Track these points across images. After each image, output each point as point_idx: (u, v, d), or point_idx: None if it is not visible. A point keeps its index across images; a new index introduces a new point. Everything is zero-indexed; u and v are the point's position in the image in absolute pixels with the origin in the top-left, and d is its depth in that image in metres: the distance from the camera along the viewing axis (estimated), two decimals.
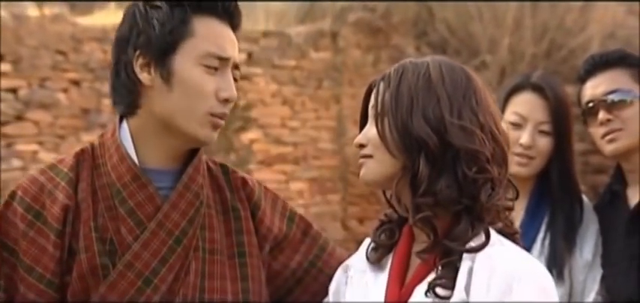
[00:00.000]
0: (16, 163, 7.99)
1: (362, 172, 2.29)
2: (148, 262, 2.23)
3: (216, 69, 2.27)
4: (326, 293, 2.47)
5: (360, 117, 2.36)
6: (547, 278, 2.17)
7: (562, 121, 3.35)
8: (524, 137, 3.34)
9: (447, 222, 2.19)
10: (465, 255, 2.15)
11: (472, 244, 2.15)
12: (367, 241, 2.40)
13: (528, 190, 3.42)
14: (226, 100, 2.29)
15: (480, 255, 2.14)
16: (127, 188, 2.26)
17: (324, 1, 9.65)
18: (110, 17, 8.95)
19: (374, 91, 2.29)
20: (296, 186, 8.91)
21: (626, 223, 3.30)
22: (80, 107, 8.19)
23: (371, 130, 2.27)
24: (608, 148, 3.30)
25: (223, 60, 2.28)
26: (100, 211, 2.26)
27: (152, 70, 2.25)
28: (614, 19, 9.94)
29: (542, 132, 3.35)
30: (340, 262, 2.49)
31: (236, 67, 2.34)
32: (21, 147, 8.02)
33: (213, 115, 2.27)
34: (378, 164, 2.25)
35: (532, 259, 2.23)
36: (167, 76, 2.25)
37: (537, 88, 3.37)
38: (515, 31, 9.31)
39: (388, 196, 2.35)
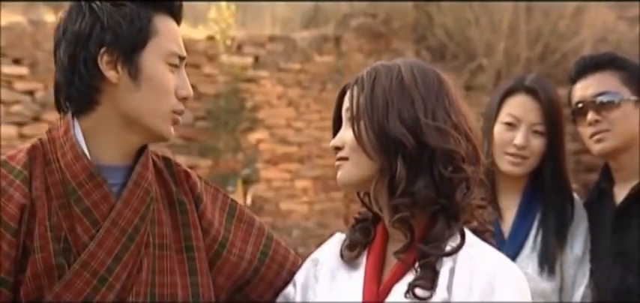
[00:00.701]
0: None
1: (339, 174, 2.24)
2: (103, 260, 2.14)
3: (176, 67, 2.23)
4: (279, 280, 2.42)
5: (333, 120, 2.32)
6: (523, 279, 2.17)
7: (555, 122, 3.33)
8: (518, 138, 3.32)
9: (423, 221, 2.16)
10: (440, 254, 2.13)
11: (449, 244, 2.13)
12: (336, 236, 2.36)
13: (521, 188, 3.41)
14: (184, 98, 2.24)
15: (461, 255, 2.11)
16: (82, 187, 2.16)
17: (328, 6, 9.64)
18: None
19: (348, 95, 2.25)
20: (301, 184, 8.91)
21: (612, 220, 3.29)
22: None
23: (347, 133, 2.23)
24: (596, 148, 3.30)
25: (182, 59, 2.25)
26: (54, 209, 2.16)
27: (119, 67, 2.17)
28: (605, 24, 9.95)
29: (535, 132, 3.33)
30: (286, 250, 2.46)
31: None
32: None
33: (174, 112, 2.23)
34: (355, 167, 2.21)
35: (508, 260, 2.21)
36: (135, 74, 2.18)
37: (531, 91, 3.35)
38: (511, 36, 9.31)
39: (362, 195, 2.31)
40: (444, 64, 9.28)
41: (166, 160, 2.36)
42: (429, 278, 2.10)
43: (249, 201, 8.42)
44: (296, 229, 8.69)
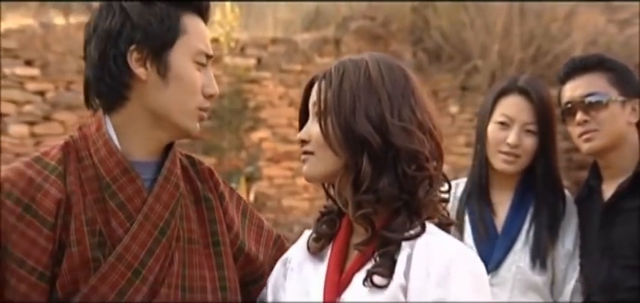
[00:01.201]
0: None
1: (305, 168, 2.20)
2: (137, 253, 2.13)
3: (203, 65, 2.22)
4: None
5: (300, 112, 2.28)
6: (479, 265, 2.13)
7: (546, 122, 3.34)
8: (511, 137, 3.33)
9: (385, 216, 2.13)
10: (404, 243, 2.09)
11: (409, 233, 2.10)
12: (306, 233, 2.31)
13: (514, 184, 3.42)
14: (211, 96, 2.23)
15: (419, 242, 2.08)
16: (116, 182, 2.15)
17: (329, 9, 9.65)
18: None
19: (315, 89, 2.20)
20: (302, 181, 8.90)
21: (600, 216, 3.30)
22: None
23: (314, 127, 2.18)
24: (584, 147, 3.31)
25: (209, 57, 2.23)
26: (88, 204, 2.13)
27: (148, 65, 2.15)
28: (595, 27, 9.94)
29: (527, 132, 3.34)
30: None
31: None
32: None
33: (200, 109, 2.21)
34: (320, 162, 2.17)
35: (465, 247, 2.21)
36: (164, 71, 2.16)
37: (524, 92, 3.36)
38: (505, 38, 9.31)
39: (327, 187, 2.28)
40: (440, 65, 9.30)
41: (190, 159, 2.35)
42: (387, 266, 2.07)
43: (251, 198, 8.43)
44: (297, 224, 8.69)
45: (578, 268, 3.33)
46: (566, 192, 3.44)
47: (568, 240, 3.36)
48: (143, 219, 2.15)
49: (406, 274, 2.06)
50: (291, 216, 8.86)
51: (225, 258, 2.29)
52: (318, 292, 2.16)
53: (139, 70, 2.14)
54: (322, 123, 2.14)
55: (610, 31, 10.14)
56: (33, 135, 8.03)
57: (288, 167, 8.91)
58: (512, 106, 3.37)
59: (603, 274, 3.26)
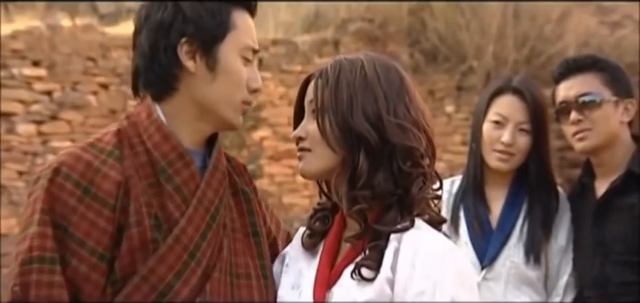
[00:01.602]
0: (51, 158, 7.99)
1: (301, 165, 2.19)
2: (192, 236, 2.11)
3: (249, 61, 2.20)
4: None
5: (295, 110, 2.25)
6: (465, 261, 2.15)
7: (540, 121, 3.34)
8: (506, 136, 3.33)
9: (378, 211, 2.11)
10: (392, 237, 2.07)
11: (399, 226, 2.09)
12: (301, 230, 2.29)
13: (508, 182, 3.42)
14: (255, 90, 2.21)
15: (406, 236, 2.07)
16: (172, 166, 2.13)
17: (328, 12, 9.65)
18: None
19: (312, 87, 2.18)
20: (301, 179, 8.87)
21: (593, 213, 3.30)
22: (108, 108, 8.21)
23: (310, 124, 2.16)
24: (578, 146, 3.31)
25: (255, 52, 2.22)
26: (144, 188, 2.11)
27: (198, 58, 2.14)
28: (587, 29, 9.95)
29: (521, 131, 3.33)
30: None
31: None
32: (55, 144, 8.03)
33: (244, 102, 2.20)
34: (317, 158, 2.15)
35: (451, 243, 2.17)
36: (212, 65, 2.14)
37: (518, 92, 3.36)
38: (499, 40, 9.31)
39: (321, 184, 2.27)
40: (437, 66, 9.30)
41: (225, 154, 2.32)
42: (375, 259, 2.06)
43: None
44: (297, 221, 8.69)
45: (571, 263, 3.34)
46: (559, 189, 3.44)
47: (561, 236, 3.36)
48: (197, 203, 2.14)
49: (393, 268, 2.05)
50: (292, 213, 8.86)
51: (264, 248, 2.28)
52: (309, 286, 2.16)
53: (189, 63, 2.14)
54: (319, 120, 2.13)
55: (602, 32, 10.14)
56: (40, 134, 8.04)
57: (289, 165, 8.91)
58: (506, 106, 3.36)
59: (596, 269, 3.26)
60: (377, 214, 2.11)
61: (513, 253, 3.34)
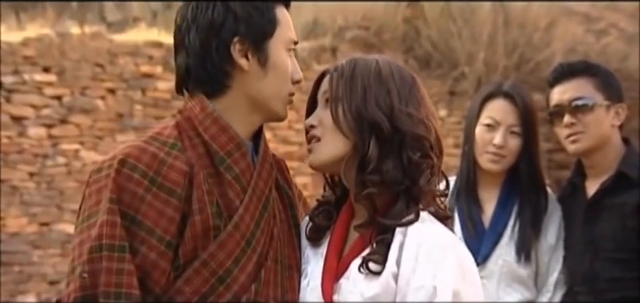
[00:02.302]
0: (60, 160, 8.00)
1: (312, 156, 2.17)
2: (249, 224, 2.11)
3: (291, 53, 2.20)
4: None
5: (308, 103, 2.23)
6: (467, 254, 2.10)
7: (530, 124, 3.33)
8: (497, 138, 3.32)
9: (386, 201, 2.09)
10: (397, 230, 2.05)
11: (404, 220, 2.06)
12: (305, 220, 2.27)
13: (500, 183, 3.41)
14: (297, 81, 2.21)
15: (411, 230, 2.05)
16: (231, 156, 2.11)
17: (326, 20, 9.64)
18: (141, 34, 8.96)
19: (327, 79, 2.17)
20: (301, 180, 8.88)
21: (584, 212, 3.30)
22: (116, 112, 8.18)
23: (323, 113, 2.15)
24: (571, 148, 3.31)
25: (295, 44, 2.21)
26: (205, 177, 2.09)
27: (250, 55, 2.12)
28: (574, 37, 9.97)
29: (512, 133, 3.32)
30: None
31: None
32: (65, 146, 8.02)
33: (290, 95, 2.20)
34: (328, 145, 2.13)
35: (456, 238, 2.15)
36: (264, 61, 2.13)
37: (508, 96, 3.35)
38: (490, 47, 9.31)
39: (327, 176, 2.25)
40: (430, 72, 9.28)
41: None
42: (381, 253, 2.04)
43: None
44: None
45: (560, 260, 3.34)
46: (549, 190, 3.44)
47: (550, 234, 3.36)
48: (251, 192, 2.12)
49: (398, 262, 2.03)
50: None
51: (301, 240, 2.26)
52: (316, 274, 2.14)
53: (242, 61, 2.12)
54: (333, 107, 2.12)
55: (588, 40, 10.16)
56: (50, 136, 8.01)
57: (289, 167, 8.87)
58: (498, 110, 3.35)
59: (586, 265, 3.26)
60: (384, 205, 2.09)
61: (505, 252, 3.33)
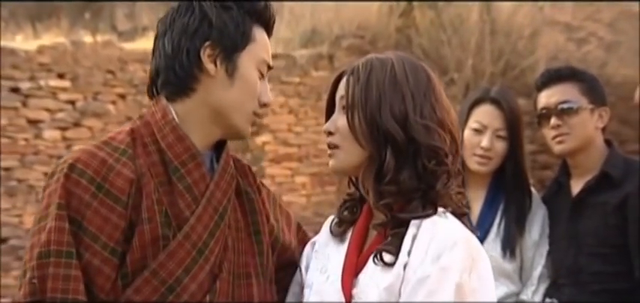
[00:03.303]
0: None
1: (331, 162, 2.09)
2: (201, 234, 2.02)
3: (262, 76, 2.12)
4: None
5: (327, 104, 2.15)
6: (479, 250, 1.99)
7: (515, 128, 3.32)
8: (485, 141, 3.32)
9: (403, 203, 2.01)
10: (412, 223, 1.98)
11: (419, 213, 1.99)
12: (330, 219, 2.20)
13: (486, 183, 3.40)
14: (265, 105, 2.13)
15: (425, 223, 1.97)
16: (185, 166, 2.02)
17: (323, 29, 9.64)
18: (150, 43, 8.93)
19: (344, 83, 2.08)
20: (300, 180, 8.90)
21: (569, 209, 3.31)
22: (125, 116, 8.17)
23: (340, 119, 2.07)
24: (557, 148, 3.32)
25: (269, 69, 2.14)
26: (155, 186, 2.00)
27: (218, 62, 2.05)
28: (556, 45, 9.97)
29: (499, 137, 3.32)
30: (308, 236, 2.35)
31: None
32: (78, 148, 8.01)
33: (254, 113, 2.12)
34: (346, 154, 2.06)
35: (469, 233, 2.01)
36: (231, 71, 2.06)
37: (495, 101, 3.35)
38: (477, 54, 9.30)
39: (351, 177, 2.17)
40: None
41: (232, 156, 2.22)
42: (395, 244, 1.98)
43: None
44: (296, 218, 8.68)
45: (544, 255, 3.34)
46: (533, 189, 3.43)
47: (534, 231, 3.35)
48: (206, 203, 2.04)
49: (409, 252, 1.96)
50: (290, 210, 8.82)
51: (264, 246, 2.19)
52: (336, 270, 2.08)
53: (210, 66, 2.05)
54: (349, 116, 2.04)
55: (569, 48, 10.16)
56: (64, 139, 8.01)
57: (288, 167, 8.88)
58: (485, 114, 3.35)
59: (570, 259, 3.27)
60: (402, 205, 2.02)
61: (492, 248, 3.30)
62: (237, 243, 2.15)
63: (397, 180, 1.99)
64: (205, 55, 2.05)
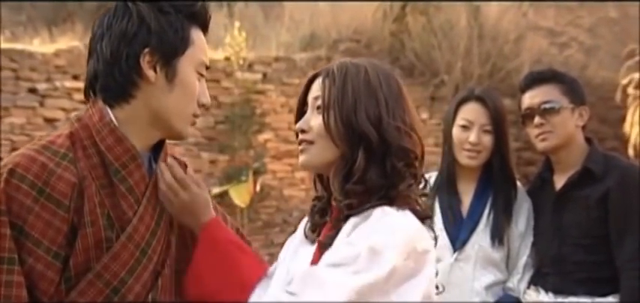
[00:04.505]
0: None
1: (302, 158, 1.99)
2: (143, 234, 1.93)
3: (202, 76, 2.01)
4: None
5: (298, 105, 2.05)
6: (419, 237, 1.86)
7: (500, 122, 3.32)
8: (472, 136, 3.32)
9: (363, 200, 1.92)
10: (361, 215, 1.89)
11: (368, 205, 1.89)
12: (305, 220, 2.10)
13: (476, 177, 3.40)
14: (203, 105, 2.01)
15: (375, 213, 1.87)
16: (125, 168, 1.91)
17: (322, 34, 9.63)
18: None
19: (319, 84, 1.99)
20: (299, 175, 8.87)
21: (552, 203, 3.30)
22: None
23: (315, 119, 1.98)
24: (540, 145, 3.32)
25: (207, 69, 2.02)
26: (97, 189, 1.89)
27: (158, 69, 1.92)
28: (539, 49, 9.98)
29: (485, 131, 3.32)
30: None
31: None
32: None
33: (194, 115, 2.00)
34: (320, 152, 1.96)
35: (417, 228, 1.89)
36: (171, 77, 1.93)
37: (480, 99, 3.35)
38: (466, 57, 9.30)
39: (316, 176, 2.08)
40: (413, 80, 9.27)
41: (170, 154, 2.11)
42: (332, 236, 1.90)
43: (258, 188, 8.40)
44: (296, 211, 8.67)
45: (529, 246, 3.35)
46: (519, 184, 3.43)
47: (521, 223, 3.35)
48: (146, 203, 1.95)
49: (349, 235, 1.87)
50: (291, 203, 8.83)
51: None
52: (300, 268, 1.96)
53: (149, 73, 1.92)
54: (325, 115, 1.95)
55: (552, 52, 10.17)
56: None
57: (289, 163, 8.86)
58: (471, 111, 3.35)
59: (554, 250, 3.27)
60: (362, 202, 1.92)
61: (481, 238, 3.33)
62: (179, 239, 2.07)
63: (364, 179, 1.91)
64: (145, 61, 1.92)
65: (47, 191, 1.84)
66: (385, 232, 1.83)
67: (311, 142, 1.99)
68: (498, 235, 3.31)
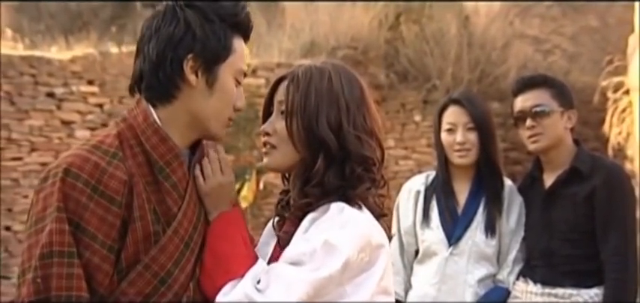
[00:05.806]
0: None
1: (266, 160, 1.98)
2: (187, 228, 1.93)
3: (239, 83, 2.00)
4: None
5: (265, 106, 2.03)
6: (371, 233, 1.85)
7: (481, 119, 3.32)
8: (458, 136, 3.32)
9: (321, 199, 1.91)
10: (320, 209, 1.87)
11: (325, 201, 1.87)
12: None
13: (470, 176, 3.39)
14: (239, 110, 2.00)
15: (332, 208, 1.86)
16: (169, 165, 1.92)
17: (321, 41, 9.61)
18: None
19: (284, 89, 1.96)
20: None
21: (542, 200, 3.30)
22: None
23: (279, 123, 1.96)
24: (532, 146, 3.32)
25: (245, 75, 2.01)
26: (144, 186, 1.90)
27: (199, 74, 1.92)
28: (525, 56, 9.99)
29: (469, 129, 3.32)
30: None
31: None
32: None
33: (229, 119, 2.00)
34: (282, 155, 1.95)
35: (369, 223, 1.88)
36: (211, 82, 1.93)
37: (457, 101, 3.36)
38: (456, 63, 9.30)
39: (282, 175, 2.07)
40: (407, 84, 9.27)
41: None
42: (291, 233, 1.90)
43: (261, 186, 8.37)
44: None
45: (519, 241, 3.35)
46: (510, 182, 3.43)
47: (511, 219, 3.35)
48: (189, 198, 1.94)
49: (307, 231, 1.86)
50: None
51: None
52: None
53: (191, 77, 1.92)
54: (288, 121, 1.93)
55: (536, 58, 10.17)
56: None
57: None
58: (452, 115, 3.36)
59: (543, 244, 3.27)
60: (318, 201, 1.91)
61: (474, 234, 3.33)
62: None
63: (323, 182, 1.89)
64: (188, 66, 1.92)
65: (101, 189, 1.85)
66: (340, 226, 1.81)
67: (274, 147, 1.97)
68: (491, 226, 3.31)
